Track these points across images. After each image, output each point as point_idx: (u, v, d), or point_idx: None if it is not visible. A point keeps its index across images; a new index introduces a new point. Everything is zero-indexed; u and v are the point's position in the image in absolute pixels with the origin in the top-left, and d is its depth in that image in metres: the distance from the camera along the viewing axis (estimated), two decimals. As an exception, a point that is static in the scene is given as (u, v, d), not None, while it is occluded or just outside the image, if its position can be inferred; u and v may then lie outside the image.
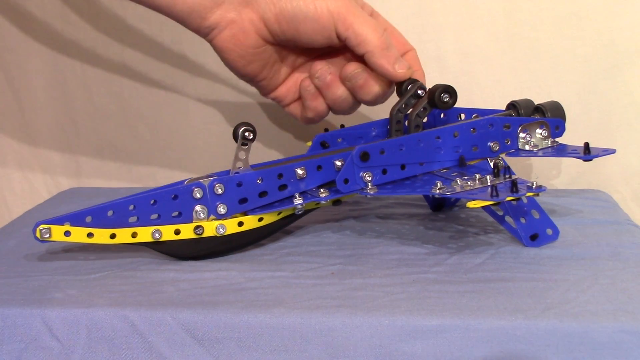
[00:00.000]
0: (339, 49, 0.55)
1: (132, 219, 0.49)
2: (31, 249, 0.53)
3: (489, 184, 0.47)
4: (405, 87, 0.54)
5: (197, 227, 0.49)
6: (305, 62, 0.57)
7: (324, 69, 0.54)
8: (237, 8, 0.51)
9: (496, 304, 0.42)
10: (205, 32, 0.52)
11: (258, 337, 0.42)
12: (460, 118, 0.58)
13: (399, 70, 0.52)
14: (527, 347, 0.40)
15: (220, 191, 0.49)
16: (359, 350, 0.41)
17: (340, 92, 0.54)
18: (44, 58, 0.75)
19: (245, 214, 0.51)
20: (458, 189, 0.47)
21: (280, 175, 0.50)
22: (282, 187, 0.51)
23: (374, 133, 0.57)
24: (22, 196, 0.79)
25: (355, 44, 0.51)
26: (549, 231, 0.51)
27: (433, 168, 0.52)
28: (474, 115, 0.57)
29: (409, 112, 0.53)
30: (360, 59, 0.53)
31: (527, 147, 0.54)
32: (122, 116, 0.75)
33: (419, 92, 0.53)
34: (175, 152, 0.76)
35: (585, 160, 0.52)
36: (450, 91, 0.52)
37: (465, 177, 0.48)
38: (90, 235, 0.48)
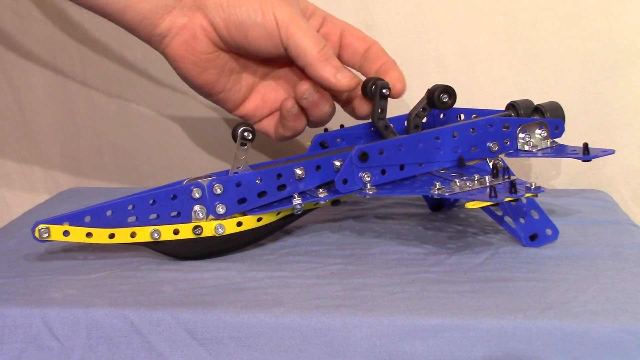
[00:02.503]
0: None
1: (131, 219, 0.49)
2: (31, 249, 0.53)
3: (487, 184, 0.47)
4: (370, 88, 0.52)
5: (196, 227, 0.49)
6: (267, 73, 0.56)
7: (310, 89, 0.52)
8: (188, 13, 0.51)
9: (496, 304, 0.42)
10: (156, 41, 0.52)
11: (258, 337, 0.42)
12: (460, 118, 0.58)
13: (342, 80, 0.51)
14: (527, 347, 0.40)
15: (219, 191, 0.49)
16: (359, 350, 0.41)
17: (327, 108, 0.54)
18: (43, 58, 0.75)
19: (244, 214, 0.51)
20: (457, 190, 0.47)
21: (279, 176, 0.50)
22: (281, 187, 0.51)
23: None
24: (22, 196, 0.79)
25: (295, 55, 0.50)
26: (549, 231, 0.51)
27: (432, 168, 0.52)
28: (473, 115, 0.57)
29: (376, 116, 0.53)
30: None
31: (526, 148, 0.54)
32: (122, 116, 0.75)
33: (384, 91, 0.52)
34: (175, 152, 0.76)
35: (584, 161, 0.52)
36: (450, 91, 0.52)
37: (464, 178, 0.48)
38: (89, 235, 0.48)
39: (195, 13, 0.50)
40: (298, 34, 0.50)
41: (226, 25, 0.50)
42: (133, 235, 0.49)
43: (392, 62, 0.54)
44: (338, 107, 0.57)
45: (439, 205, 0.60)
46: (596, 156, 0.51)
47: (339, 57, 0.56)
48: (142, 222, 0.49)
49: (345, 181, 0.50)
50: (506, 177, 0.48)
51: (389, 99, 0.52)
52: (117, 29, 0.72)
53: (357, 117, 0.56)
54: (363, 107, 0.54)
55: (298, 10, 0.51)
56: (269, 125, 0.56)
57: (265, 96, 0.56)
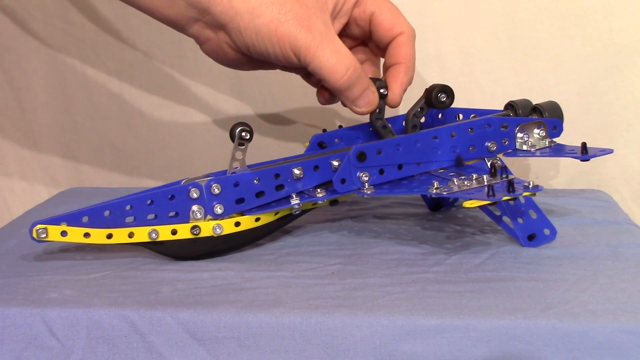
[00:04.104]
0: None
1: (129, 219, 0.49)
2: (31, 249, 0.53)
3: (485, 183, 0.47)
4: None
5: (194, 227, 0.49)
6: None
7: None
8: (212, 29, 0.51)
9: (496, 304, 0.42)
10: (191, 38, 0.53)
11: (258, 337, 0.42)
12: (458, 118, 0.58)
13: (358, 109, 0.52)
14: (527, 347, 0.39)
15: (217, 191, 0.49)
16: (359, 350, 0.41)
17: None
18: (44, 58, 0.75)
19: (242, 214, 0.51)
20: (455, 189, 0.47)
21: (277, 176, 0.50)
22: (279, 187, 0.51)
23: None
24: (22, 196, 0.79)
25: (318, 78, 0.51)
26: (547, 231, 0.51)
27: (430, 168, 0.52)
28: (471, 115, 0.57)
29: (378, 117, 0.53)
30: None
31: (524, 147, 0.54)
32: (122, 116, 0.75)
33: (382, 91, 0.53)
34: (175, 152, 0.76)
35: (582, 161, 0.51)
36: (447, 91, 0.52)
37: (462, 177, 0.48)
38: (87, 235, 0.48)
39: (219, 31, 0.50)
40: (313, 63, 0.49)
41: (248, 50, 0.50)
42: (131, 235, 0.49)
43: (405, 68, 0.53)
44: (335, 106, 0.57)
45: (438, 205, 0.60)
46: (594, 156, 0.51)
47: (369, 45, 0.56)
48: (140, 222, 0.49)
49: (343, 181, 0.50)
50: (504, 176, 0.48)
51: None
52: (117, 28, 0.73)
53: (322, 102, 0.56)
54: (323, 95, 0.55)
55: (320, 24, 0.50)
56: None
57: None
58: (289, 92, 0.72)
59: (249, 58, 0.52)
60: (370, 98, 0.52)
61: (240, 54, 0.52)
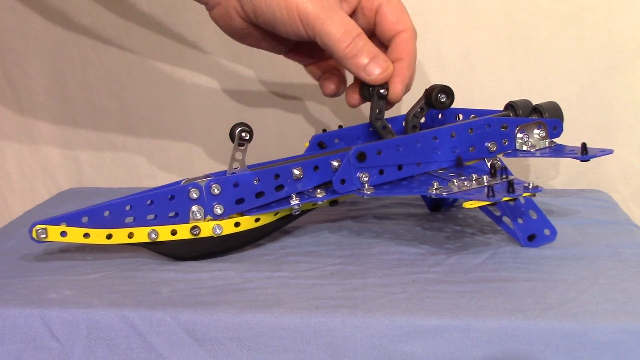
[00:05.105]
0: None
1: (129, 220, 0.49)
2: (31, 249, 0.53)
3: (485, 184, 0.47)
4: (367, 87, 0.53)
5: (194, 227, 0.49)
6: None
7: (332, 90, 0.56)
8: None
9: (496, 304, 0.42)
10: (202, 4, 0.54)
11: (258, 337, 0.42)
12: (458, 118, 0.58)
13: (370, 77, 0.51)
14: (526, 347, 0.40)
15: (216, 191, 0.49)
16: (359, 350, 0.41)
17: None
18: (44, 58, 0.75)
19: (242, 214, 0.51)
20: (455, 189, 0.47)
21: (277, 176, 0.50)
22: (279, 187, 0.51)
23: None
24: (22, 196, 0.79)
25: (325, 48, 0.51)
26: (547, 232, 0.51)
27: (430, 168, 0.52)
28: (471, 115, 0.57)
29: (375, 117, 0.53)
30: None
31: (524, 148, 0.54)
32: (122, 116, 0.75)
33: (382, 91, 0.52)
34: (175, 152, 0.76)
35: (582, 161, 0.51)
36: (447, 91, 0.52)
37: (462, 178, 0.48)
38: (86, 235, 0.48)
39: None
40: (323, 30, 0.50)
41: (255, 15, 0.51)
42: (131, 235, 0.49)
43: (407, 64, 0.53)
44: (335, 106, 0.57)
45: (438, 206, 0.60)
46: (594, 156, 0.51)
47: (374, 36, 0.56)
48: (140, 222, 0.49)
49: (343, 181, 0.50)
50: (504, 176, 0.48)
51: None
52: (117, 28, 0.73)
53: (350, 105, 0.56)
54: (354, 97, 0.55)
55: None
56: (314, 71, 0.58)
57: (307, 48, 0.56)
58: (290, 89, 0.72)
59: (254, 28, 0.53)
60: (382, 64, 0.51)
61: (246, 23, 0.52)
